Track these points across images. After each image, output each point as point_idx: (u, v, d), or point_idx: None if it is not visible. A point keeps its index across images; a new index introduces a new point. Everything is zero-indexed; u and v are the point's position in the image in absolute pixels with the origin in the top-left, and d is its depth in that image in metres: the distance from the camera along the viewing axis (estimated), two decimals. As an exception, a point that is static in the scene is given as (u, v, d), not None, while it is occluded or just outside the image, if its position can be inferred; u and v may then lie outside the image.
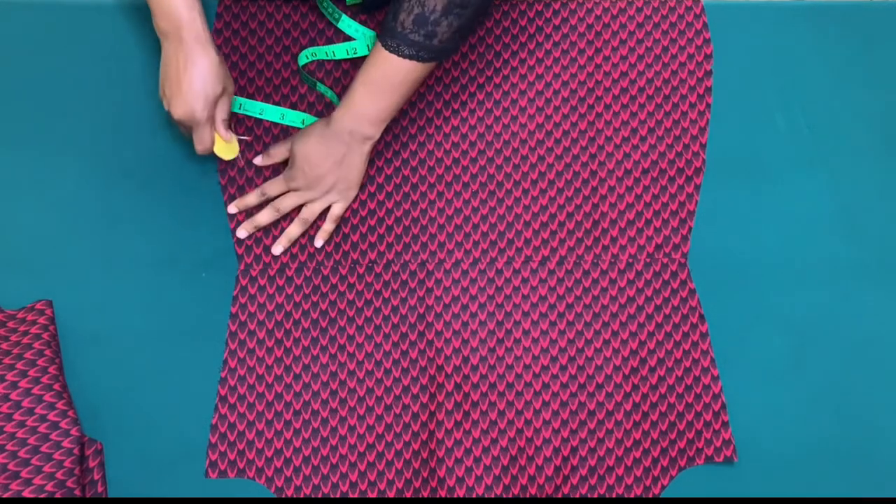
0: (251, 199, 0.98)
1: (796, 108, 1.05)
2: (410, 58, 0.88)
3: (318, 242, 0.98)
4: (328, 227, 0.98)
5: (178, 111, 0.88)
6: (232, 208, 0.98)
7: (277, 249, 0.97)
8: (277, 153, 0.99)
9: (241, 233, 0.98)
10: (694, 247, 1.00)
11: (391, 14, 0.88)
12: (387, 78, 0.90)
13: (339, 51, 1.03)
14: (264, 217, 0.97)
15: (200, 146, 0.92)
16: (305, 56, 1.03)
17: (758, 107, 1.05)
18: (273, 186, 0.98)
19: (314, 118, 1.01)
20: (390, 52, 0.89)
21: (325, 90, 1.02)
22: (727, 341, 0.95)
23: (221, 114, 0.92)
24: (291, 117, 1.01)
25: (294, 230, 0.97)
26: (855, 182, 1.03)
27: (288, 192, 0.97)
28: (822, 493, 0.90)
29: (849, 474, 0.92)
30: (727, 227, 1.00)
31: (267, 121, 1.01)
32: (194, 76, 0.87)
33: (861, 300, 0.98)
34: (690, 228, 1.00)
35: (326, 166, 0.94)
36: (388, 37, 0.89)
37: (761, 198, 1.02)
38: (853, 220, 1.02)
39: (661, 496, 0.91)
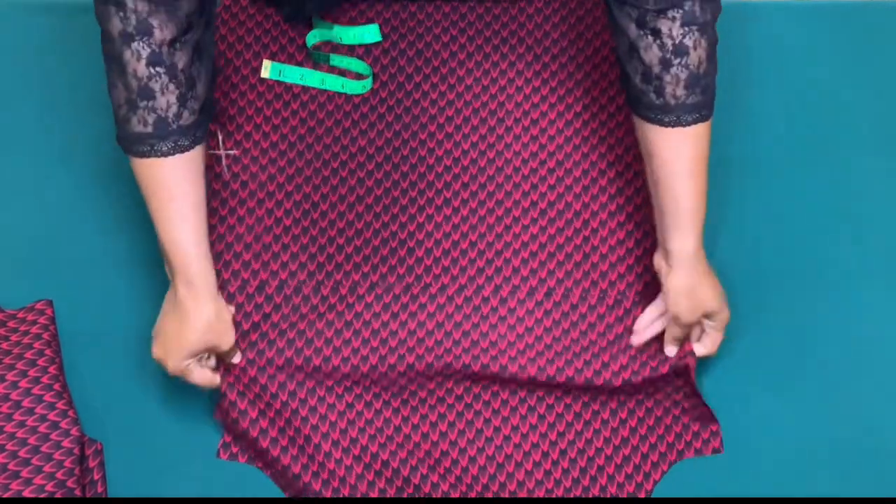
0: None
1: (796, 108, 1.05)
2: (696, 121, 0.81)
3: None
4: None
5: (171, 367, 0.85)
6: None
7: None
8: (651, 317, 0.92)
9: None
10: (693, 247, 0.99)
11: (648, 95, 0.81)
12: (698, 157, 0.83)
13: (346, 36, 1.03)
14: None
15: (201, 385, 0.89)
16: (314, 36, 1.03)
17: (758, 107, 1.05)
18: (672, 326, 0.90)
19: (352, 82, 1.01)
20: (673, 126, 0.81)
21: (339, 60, 1.02)
22: (727, 341, 0.95)
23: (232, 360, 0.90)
24: (331, 82, 1.02)
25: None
26: (855, 182, 1.03)
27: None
28: (821, 492, 0.90)
29: (847, 474, 0.91)
30: (727, 227, 1.00)
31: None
32: (190, 333, 0.84)
33: (861, 300, 0.98)
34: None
35: (711, 295, 0.88)
36: (663, 115, 0.81)
37: (761, 198, 1.02)
38: (853, 220, 1.02)
39: (652, 494, 0.90)
